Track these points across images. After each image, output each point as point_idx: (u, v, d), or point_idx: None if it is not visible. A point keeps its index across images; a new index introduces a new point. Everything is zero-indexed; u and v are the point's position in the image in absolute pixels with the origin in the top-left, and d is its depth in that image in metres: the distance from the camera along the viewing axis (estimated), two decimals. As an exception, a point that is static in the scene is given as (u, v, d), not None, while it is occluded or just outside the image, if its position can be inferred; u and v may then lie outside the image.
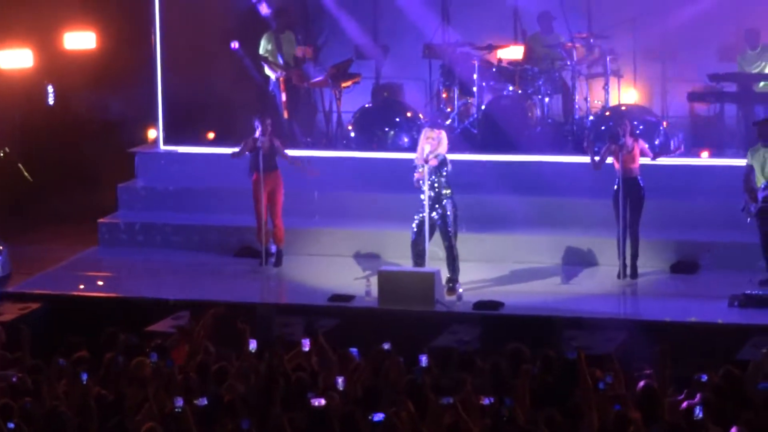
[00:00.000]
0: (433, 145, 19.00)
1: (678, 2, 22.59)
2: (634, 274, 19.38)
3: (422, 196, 18.94)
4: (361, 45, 24.87)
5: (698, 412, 13.48)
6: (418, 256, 19.06)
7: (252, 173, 20.07)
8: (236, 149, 20.29)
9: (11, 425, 13.36)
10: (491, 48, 23.34)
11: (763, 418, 13.36)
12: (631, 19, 22.86)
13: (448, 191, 19.02)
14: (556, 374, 15.07)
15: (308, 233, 21.01)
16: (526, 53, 23.26)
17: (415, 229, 19.03)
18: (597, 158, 19.33)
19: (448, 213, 19.02)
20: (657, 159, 19.68)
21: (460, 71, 23.19)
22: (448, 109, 23.12)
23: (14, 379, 15.09)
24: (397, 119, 22.97)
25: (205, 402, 13.70)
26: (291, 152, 20.78)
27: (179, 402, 13.29)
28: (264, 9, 23.96)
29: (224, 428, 13.24)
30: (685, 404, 13.73)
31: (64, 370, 15.32)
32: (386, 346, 15.10)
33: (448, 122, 22.27)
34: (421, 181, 18.86)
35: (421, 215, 18.93)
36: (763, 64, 21.87)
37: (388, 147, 22.32)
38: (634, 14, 22.80)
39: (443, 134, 19.47)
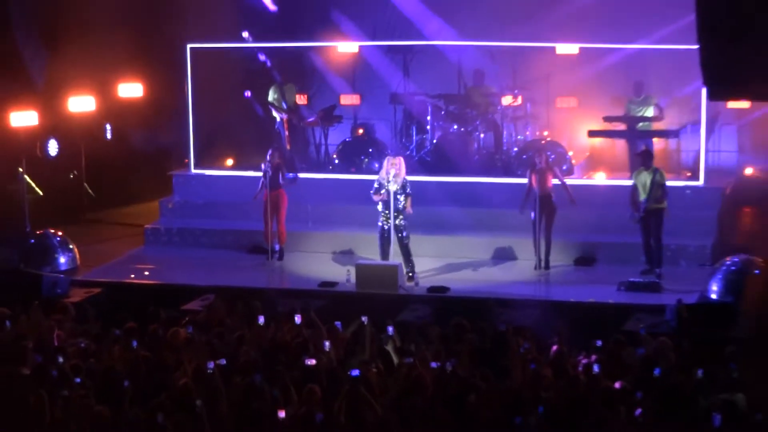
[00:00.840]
0: (396, 168, 19.12)
1: (580, 63, 22.70)
2: (547, 266, 19.48)
3: (380, 208, 19.08)
4: (342, 94, 24.95)
5: (596, 369, 13.62)
6: (385, 253, 19.18)
7: (262, 191, 20.21)
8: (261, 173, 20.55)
9: (78, 380, 13.44)
10: (441, 97, 23.43)
11: (639, 376, 13.53)
12: (545, 75, 22.97)
13: (405, 204, 19.15)
14: (490, 341, 15.20)
15: (303, 235, 21.02)
16: (466, 100, 23.33)
17: (384, 233, 19.17)
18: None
19: (405, 222, 19.16)
20: (566, 180, 19.84)
21: (417, 114, 23.30)
22: (408, 143, 23.17)
23: (82, 345, 15.17)
24: (370, 150, 23.03)
25: (224, 362, 13.81)
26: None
27: (211, 365, 13.38)
28: (267, 62, 24.11)
29: (241, 382, 13.33)
30: (584, 362, 13.89)
31: (118, 338, 15.40)
32: (364, 320, 15.20)
33: (407, 152, 22.33)
34: (390, 198, 19.03)
35: (385, 223, 19.10)
36: (644, 108, 22.02)
37: (363, 171, 22.29)
38: (548, 72, 22.90)
39: (402, 160, 19.51)
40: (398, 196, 19.00)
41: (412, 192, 19.17)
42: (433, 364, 13.78)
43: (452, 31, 23.72)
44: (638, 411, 12.08)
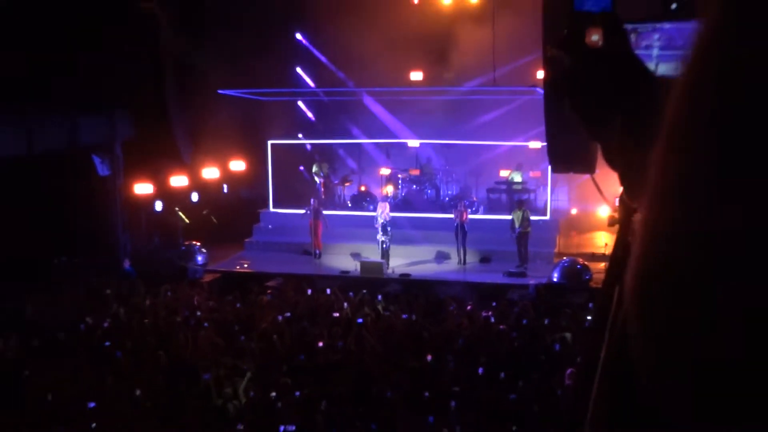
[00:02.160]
0: (383, 209, 19.29)
1: (484, 151, 22.85)
2: (464, 263, 19.46)
3: (379, 229, 19.15)
4: (353, 168, 25.02)
5: (492, 319, 13.60)
6: (381, 254, 19.29)
7: (309, 220, 20.28)
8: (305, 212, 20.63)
9: (206, 325, 13.42)
10: (406, 170, 23.50)
11: (514, 323, 13.53)
12: (464, 159, 23.09)
13: (389, 228, 19.23)
14: (433, 303, 15.22)
15: (332, 245, 20.84)
16: (421, 171, 23.46)
17: (380, 244, 19.28)
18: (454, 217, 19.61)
19: (389, 237, 19.23)
20: (470, 217, 19.90)
21: (394, 179, 23.35)
22: (391, 195, 23.19)
23: (210, 305, 15.16)
24: (368, 198, 23.03)
25: (289, 315, 13.80)
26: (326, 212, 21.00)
27: (280, 317, 13.39)
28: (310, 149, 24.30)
29: (295, 326, 13.32)
30: (485, 315, 13.90)
31: (230, 302, 15.40)
32: (364, 292, 15.21)
33: (389, 200, 22.26)
34: (380, 226, 19.14)
35: (380, 238, 19.17)
36: (518, 175, 22.11)
37: (364, 210, 22.23)
38: (465, 156, 23.01)
39: (387, 205, 19.71)
40: (386, 225, 19.15)
41: (391, 220, 19.34)
42: (404, 316, 13.80)
43: (412, 134, 23.83)
44: (515, 343, 12.11)
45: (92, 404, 9.74)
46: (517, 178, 22.19)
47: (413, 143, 23.15)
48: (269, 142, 23.15)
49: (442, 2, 22.59)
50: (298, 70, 24.67)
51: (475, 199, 22.51)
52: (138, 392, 10.24)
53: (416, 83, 23.14)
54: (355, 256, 20.19)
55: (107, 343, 12.44)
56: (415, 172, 23.45)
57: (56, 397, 10.12)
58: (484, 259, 19.94)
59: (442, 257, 20.20)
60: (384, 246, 19.20)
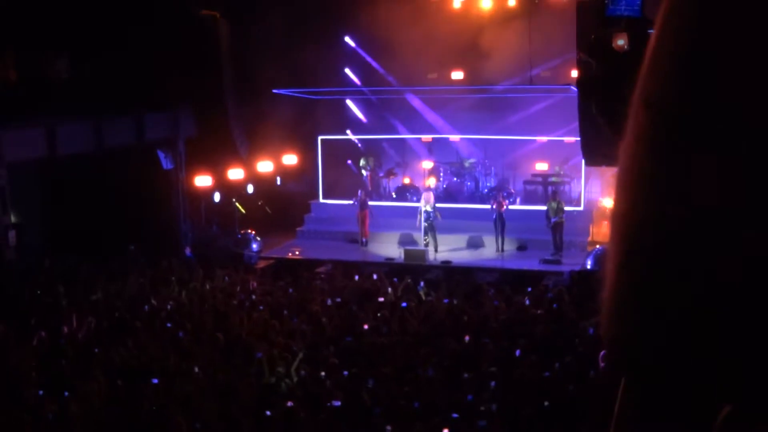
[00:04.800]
0: (427, 198, 19.21)
1: (519, 146, 22.59)
2: (502, 250, 19.30)
3: (422, 218, 19.10)
4: (397, 161, 24.91)
5: (527, 303, 13.48)
6: (424, 241, 19.25)
7: (357, 210, 20.31)
8: (353, 202, 20.64)
9: (261, 308, 13.52)
10: (448, 163, 23.36)
11: (548, 307, 13.38)
12: (501, 152, 22.86)
13: (437, 215, 19.18)
14: (472, 288, 15.12)
15: (378, 234, 20.87)
16: (461, 165, 23.28)
17: (422, 232, 19.23)
18: (491, 206, 19.48)
19: (435, 225, 19.18)
20: (509, 207, 19.68)
21: (436, 171, 23.22)
22: (433, 186, 23.08)
23: (264, 289, 15.26)
24: (412, 189, 22.93)
25: (339, 300, 13.83)
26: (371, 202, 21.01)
27: (329, 301, 13.42)
28: (359, 144, 24.19)
29: (344, 310, 13.35)
30: (521, 300, 13.79)
31: (282, 287, 15.49)
32: (409, 278, 15.18)
33: (433, 190, 22.15)
34: (422, 215, 19.09)
35: (424, 226, 19.11)
36: (559, 169, 21.89)
37: (407, 200, 22.15)
38: (503, 150, 22.80)
39: (432, 194, 19.66)
40: (430, 212, 19.14)
41: (435, 207, 19.33)
42: (445, 301, 13.75)
43: (452, 128, 23.65)
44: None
45: (155, 380, 9.89)
46: (560, 170, 21.96)
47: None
48: (319, 138, 23.20)
49: (481, 5, 22.33)
50: (347, 70, 24.66)
51: (513, 191, 22.24)
52: (197, 369, 10.36)
53: (457, 82, 22.96)
54: (400, 244, 20.13)
55: (169, 324, 12.62)
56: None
57: (123, 374, 10.29)
58: (521, 247, 19.71)
59: (481, 244, 20.02)
60: (432, 232, 19.24)
